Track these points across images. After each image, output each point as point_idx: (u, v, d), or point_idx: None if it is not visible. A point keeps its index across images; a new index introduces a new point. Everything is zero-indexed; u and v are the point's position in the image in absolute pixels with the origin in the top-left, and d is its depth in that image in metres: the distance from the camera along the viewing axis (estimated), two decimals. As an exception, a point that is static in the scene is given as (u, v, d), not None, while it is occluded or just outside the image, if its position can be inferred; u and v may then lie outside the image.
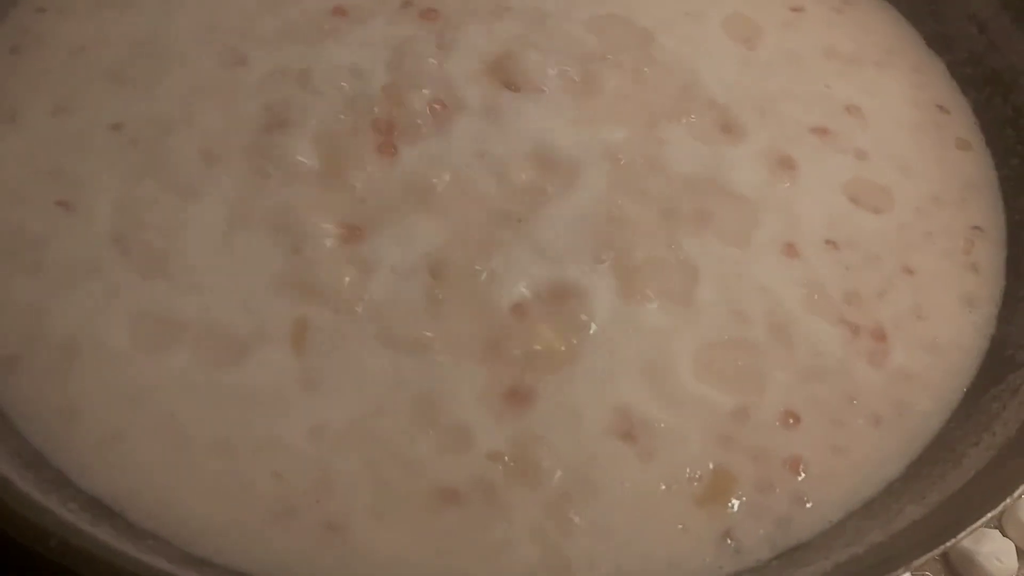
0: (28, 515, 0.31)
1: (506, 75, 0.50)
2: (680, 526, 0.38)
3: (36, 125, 0.47)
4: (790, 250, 0.46)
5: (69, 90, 0.48)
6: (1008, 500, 0.34)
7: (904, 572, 0.34)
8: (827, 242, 0.46)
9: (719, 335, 0.43)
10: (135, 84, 0.49)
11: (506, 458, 0.38)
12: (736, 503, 0.38)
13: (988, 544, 0.46)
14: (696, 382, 0.41)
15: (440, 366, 0.40)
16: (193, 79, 0.49)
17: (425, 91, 0.49)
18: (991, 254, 0.47)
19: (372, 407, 0.40)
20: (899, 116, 0.52)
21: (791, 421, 0.40)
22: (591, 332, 0.41)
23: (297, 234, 0.44)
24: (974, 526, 0.33)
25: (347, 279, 0.43)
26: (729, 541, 0.38)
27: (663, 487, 0.38)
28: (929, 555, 0.33)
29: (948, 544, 0.33)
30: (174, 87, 0.49)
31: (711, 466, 0.39)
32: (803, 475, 0.39)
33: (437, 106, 0.49)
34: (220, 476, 0.38)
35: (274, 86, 0.49)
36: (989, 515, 0.33)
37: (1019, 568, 0.46)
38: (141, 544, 0.34)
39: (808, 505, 0.39)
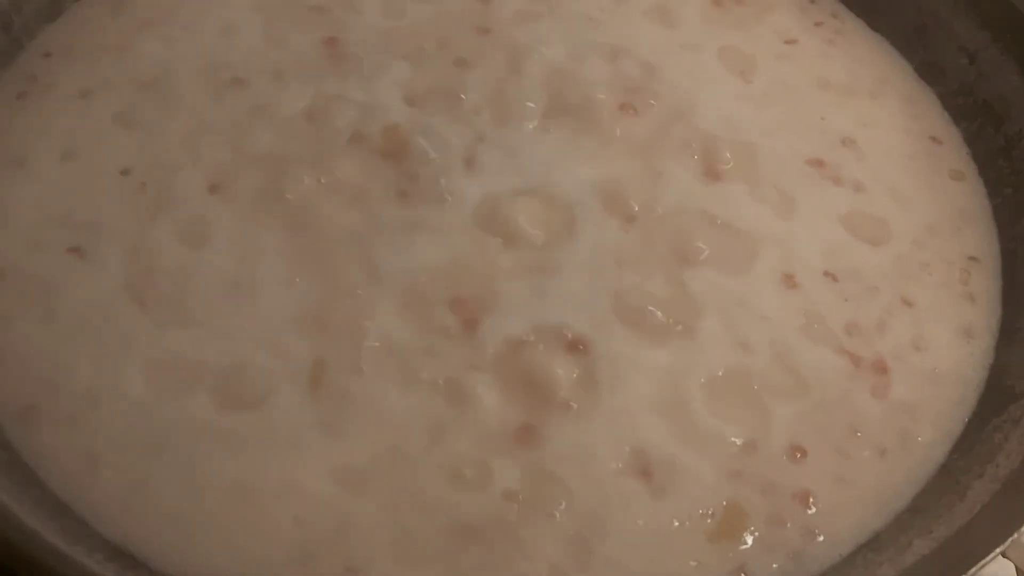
0: (58, 567, 0.32)
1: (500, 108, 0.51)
2: (694, 563, 0.38)
3: (45, 171, 0.47)
4: (789, 281, 0.47)
5: (77, 135, 0.49)
6: (1015, 535, 0.34)
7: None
8: (826, 274, 0.47)
9: (724, 368, 0.43)
10: (142, 128, 0.49)
11: (521, 496, 0.39)
12: (749, 538, 0.39)
13: (989, 565, 0.48)
14: (707, 416, 0.41)
15: (454, 406, 0.41)
16: (198, 119, 0.50)
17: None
18: (987, 284, 0.48)
19: (389, 447, 0.40)
20: (893, 147, 0.53)
21: (798, 455, 0.41)
22: (600, 370, 0.42)
23: (307, 276, 0.45)
24: (982, 563, 0.34)
25: (363, 319, 0.44)
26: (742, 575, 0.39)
27: (676, 524, 0.39)
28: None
29: (958, 581, 0.34)
30: (180, 129, 0.49)
31: (723, 502, 0.40)
32: (813, 509, 0.40)
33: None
34: (240, 522, 0.38)
35: (280, 122, 0.50)
36: (996, 551, 0.34)
37: (1020, 589, 0.47)
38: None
39: (819, 539, 0.40)
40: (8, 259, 0.44)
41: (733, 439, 0.41)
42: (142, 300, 0.43)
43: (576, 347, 0.43)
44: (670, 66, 0.54)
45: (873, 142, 0.53)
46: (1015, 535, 0.35)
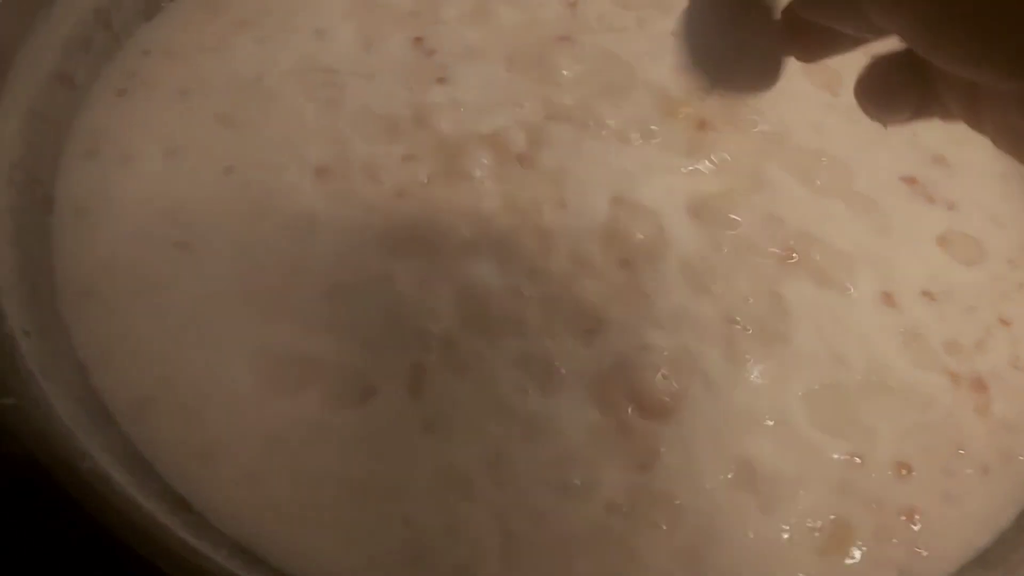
0: (194, 562, 0.32)
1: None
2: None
3: (150, 167, 0.48)
4: (888, 300, 0.47)
5: (179, 133, 0.49)
6: None
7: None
8: (923, 293, 0.47)
9: (822, 383, 0.43)
10: (243, 127, 0.50)
11: (625, 508, 0.39)
12: (857, 553, 0.39)
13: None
14: (810, 429, 0.42)
15: (558, 418, 0.41)
16: (298, 120, 0.50)
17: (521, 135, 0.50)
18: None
19: (492, 452, 0.41)
20: (985, 166, 0.53)
21: (903, 471, 0.41)
22: (700, 383, 0.42)
23: (412, 272, 0.45)
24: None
25: (458, 323, 0.44)
26: (853, 592, 0.39)
27: (785, 537, 0.39)
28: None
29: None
30: (280, 129, 0.50)
31: (831, 516, 0.40)
32: (919, 525, 0.40)
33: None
34: (351, 520, 0.39)
35: (378, 123, 0.50)
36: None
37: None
38: (291, 591, 0.35)
39: (924, 555, 0.40)
40: (117, 252, 0.44)
41: (838, 453, 0.41)
42: (248, 295, 0.44)
43: (674, 360, 0.43)
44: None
45: (964, 160, 0.53)
46: None
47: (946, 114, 0.31)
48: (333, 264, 0.45)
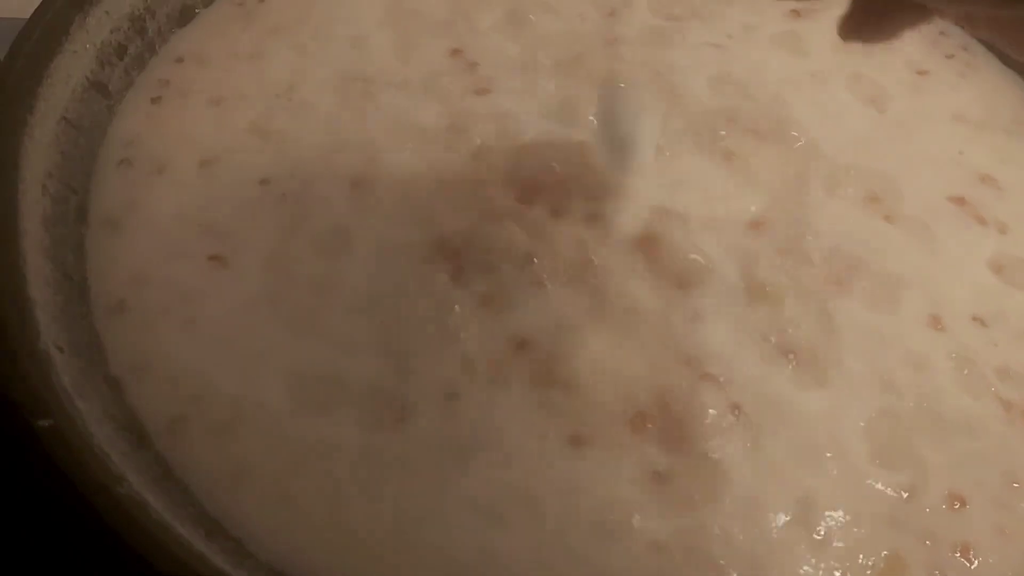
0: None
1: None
2: (856, 613, 0.38)
3: (185, 178, 0.47)
4: (936, 323, 0.46)
5: (214, 143, 0.49)
6: None
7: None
8: (974, 318, 0.46)
9: (874, 411, 0.42)
10: (278, 137, 0.49)
11: (674, 548, 0.38)
12: (910, 590, 0.38)
13: None
14: (863, 461, 0.40)
15: (599, 458, 0.40)
16: (333, 131, 0.49)
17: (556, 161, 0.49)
18: None
19: (524, 485, 0.39)
20: (1034, 186, 0.52)
21: (956, 504, 0.40)
22: (749, 411, 0.41)
23: (447, 296, 0.44)
24: None
25: (495, 344, 0.43)
26: (906, 631, 0.37)
27: (838, 574, 0.38)
28: None
29: None
30: (315, 140, 0.49)
31: (883, 552, 0.38)
32: (975, 561, 0.39)
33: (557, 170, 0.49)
34: (388, 549, 0.38)
35: (417, 135, 0.49)
36: None
37: None
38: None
39: (980, 593, 0.39)
40: (151, 265, 0.44)
41: (891, 486, 0.40)
42: (282, 312, 0.43)
43: (718, 381, 0.42)
44: (801, 96, 0.54)
45: (1013, 180, 0.52)
46: None
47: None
48: (369, 280, 0.44)
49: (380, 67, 0.52)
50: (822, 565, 0.38)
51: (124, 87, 0.50)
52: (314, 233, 0.46)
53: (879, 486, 0.40)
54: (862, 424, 0.42)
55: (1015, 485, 0.41)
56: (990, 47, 0.59)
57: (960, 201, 0.50)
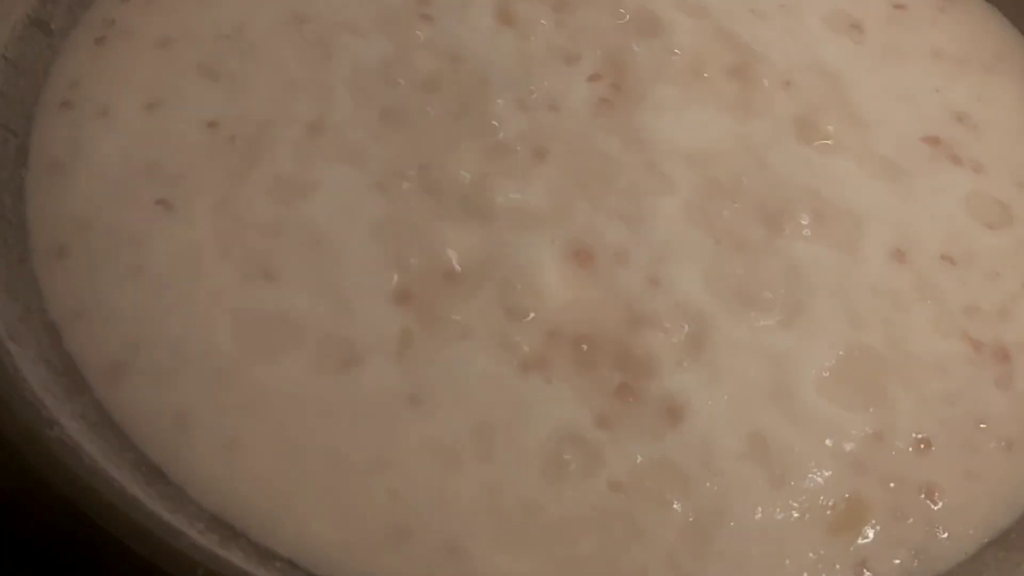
0: (164, 538, 0.30)
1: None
2: (813, 555, 0.37)
3: (130, 121, 0.45)
4: (900, 257, 0.44)
5: (160, 84, 0.47)
6: None
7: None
8: (943, 257, 0.45)
9: (841, 350, 0.41)
10: (227, 79, 0.47)
11: (630, 485, 0.37)
12: (870, 532, 0.37)
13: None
14: (826, 403, 0.39)
15: (558, 389, 0.39)
16: (284, 74, 0.48)
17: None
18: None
19: (480, 424, 0.38)
20: (1011, 125, 0.50)
21: (923, 446, 0.39)
22: (712, 351, 0.40)
23: (401, 242, 0.43)
24: None
25: (448, 291, 0.41)
26: (865, 571, 0.37)
27: (796, 515, 0.37)
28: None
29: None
30: (266, 83, 0.47)
31: (845, 493, 0.38)
32: (939, 504, 0.38)
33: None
34: (335, 492, 0.37)
35: (367, 78, 0.47)
36: None
37: None
38: (271, 567, 0.33)
39: (943, 535, 0.38)
40: (95, 210, 0.42)
41: (857, 428, 0.39)
42: (231, 255, 0.42)
43: (687, 324, 0.41)
44: (771, 27, 0.52)
45: (990, 118, 0.50)
46: None
47: None
48: (324, 223, 0.43)
49: (331, 6, 0.50)
50: (779, 504, 0.37)
51: (68, 26, 0.48)
52: (266, 177, 0.44)
53: (845, 428, 0.39)
54: (823, 364, 0.40)
55: (982, 426, 0.40)
56: (971, -20, 0.57)
57: (935, 141, 0.48)
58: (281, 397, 0.38)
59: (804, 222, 0.44)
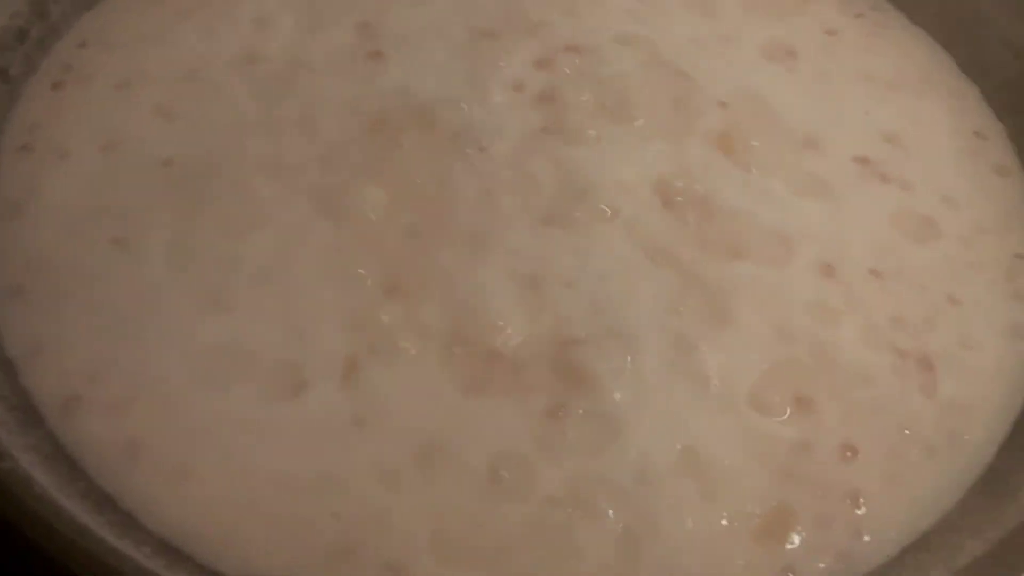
0: (110, 562, 0.32)
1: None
2: (742, 562, 0.38)
3: (87, 162, 0.47)
4: (827, 271, 0.46)
5: (117, 126, 0.49)
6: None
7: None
8: (871, 271, 0.46)
9: (768, 364, 0.43)
10: (182, 119, 0.49)
11: (566, 500, 0.38)
12: (796, 538, 0.39)
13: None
14: (756, 415, 0.41)
15: (495, 404, 0.41)
16: (237, 112, 0.49)
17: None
18: (1039, 278, 0.48)
19: (424, 445, 0.40)
20: (939, 144, 0.52)
21: (849, 454, 0.41)
22: (648, 372, 0.42)
23: (349, 270, 0.44)
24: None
25: (393, 317, 0.43)
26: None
27: (725, 524, 0.38)
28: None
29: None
30: (220, 121, 0.49)
31: (772, 502, 0.39)
32: (862, 509, 0.40)
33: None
34: (280, 515, 0.38)
35: (318, 116, 0.49)
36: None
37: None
38: (216, 588, 0.34)
39: (866, 539, 0.39)
40: (51, 250, 0.44)
41: (784, 438, 0.41)
42: (183, 289, 0.43)
43: (615, 342, 0.42)
44: (709, 57, 0.54)
45: (919, 139, 0.52)
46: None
47: None
48: (272, 256, 0.45)
49: (284, 46, 0.52)
50: (710, 515, 0.38)
51: (26, 72, 0.50)
52: (219, 212, 0.46)
53: (774, 438, 0.41)
54: (752, 376, 0.42)
55: (906, 432, 0.42)
56: (900, 5, 0.59)
57: (864, 161, 0.50)
58: (230, 425, 0.40)
59: (736, 240, 0.46)
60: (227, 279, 0.44)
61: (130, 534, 0.35)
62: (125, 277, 0.43)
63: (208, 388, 0.41)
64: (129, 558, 0.33)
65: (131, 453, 0.39)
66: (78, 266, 0.44)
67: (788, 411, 0.42)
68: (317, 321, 0.43)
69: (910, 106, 0.54)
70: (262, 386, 0.41)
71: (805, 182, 0.49)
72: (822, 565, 0.38)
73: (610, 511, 0.38)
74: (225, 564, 0.37)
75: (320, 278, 0.44)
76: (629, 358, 0.42)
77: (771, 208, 0.47)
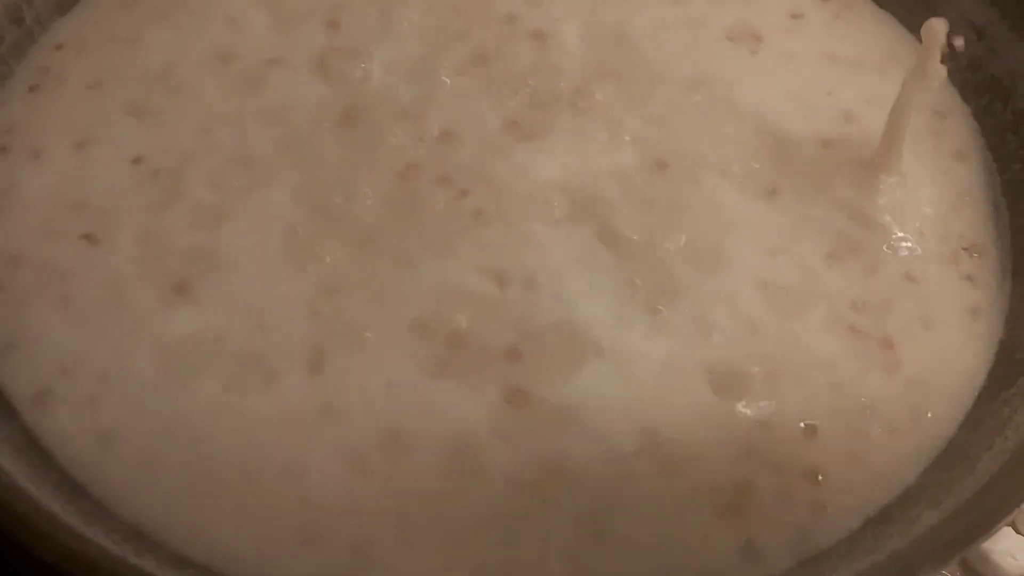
0: (76, 547, 0.33)
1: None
2: (703, 538, 0.39)
3: (59, 161, 0.48)
4: (789, 259, 0.46)
5: (89, 126, 0.49)
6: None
7: (923, 577, 0.35)
8: (830, 255, 0.47)
9: (728, 351, 0.43)
10: (153, 117, 0.50)
11: (528, 481, 0.39)
12: (756, 515, 0.39)
13: (1002, 542, 0.47)
14: (717, 400, 0.42)
15: (456, 391, 0.41)
16: (208, 109, 0.50)
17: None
18: (994, 260, 0.48)
19: (387, 432, 0.41)
20: (899, 122, 0.53)
21: (810, 432, 0.41)
22: (608, 356, 0.43)
23: (316, 261, 0.45)
24: (992, 531, 0.34)
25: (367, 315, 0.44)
26: (752, 551, 0.39)
27: (685, 502, 0.39)
28: (948, 561, 0.34)
29: (966, 551, 0.34)
30: (191, 118, 0.50)
31: (732, 478, 0.40)
32: (823, 485, 0.40)
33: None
34: (248, 502, 0.39)
35: (285, 110, 0.50)
36: (1006, 520, 0.34)
37: (1033, 565, 0.47)
38: (185, 573, 0.35)
39: (828, 513, 0.40)
40: (24, 246, 0.45)
41: (745, 419, 0.41)
42: (153, 283, 0.44)
43: (574, 331, 0.43)
44: (674, 41, 0.54)
45: (879, 117, 0.52)
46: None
47: None
48: (240, 251, 0.45)
49: (256, 44, 0.53)
50: (670, 493, 0.39)
51: (3, 77, 0.51)
52: (187, 208, 0.47)
53: (735, 420, 0.41)
54: (712, 357, 0.43)
55: (868, 411, 0.42)
56: (866, -12, 0.59)
57: (826, 143, 0.51)
58: (199, 414, 0.41)
59: (692, 229, 0.47)
60: (194, 272, 0.45)
61: (100, 522, 0.36)
62: (95, 272, 0.44)
63: (176, 379, 0.41)
64: (95, 543, 0.33)
65: (102, 444, 0.40)
66: (51, 262, 0.45)
67: (749, 394, 0.42)
68: (284, 311, 0.43)
69: (872, 84, 0.54)
70: (229, 377, 0.42)
71: (759, 167, 0.50)
72: (783, 540, 0.39)
73: (571, 493, 0.39)
74: (193, 550, 0.38)
75: (287, 269, 0.45)
76: (588, 345, 0.43)
77: (730, 192, 0.48)
